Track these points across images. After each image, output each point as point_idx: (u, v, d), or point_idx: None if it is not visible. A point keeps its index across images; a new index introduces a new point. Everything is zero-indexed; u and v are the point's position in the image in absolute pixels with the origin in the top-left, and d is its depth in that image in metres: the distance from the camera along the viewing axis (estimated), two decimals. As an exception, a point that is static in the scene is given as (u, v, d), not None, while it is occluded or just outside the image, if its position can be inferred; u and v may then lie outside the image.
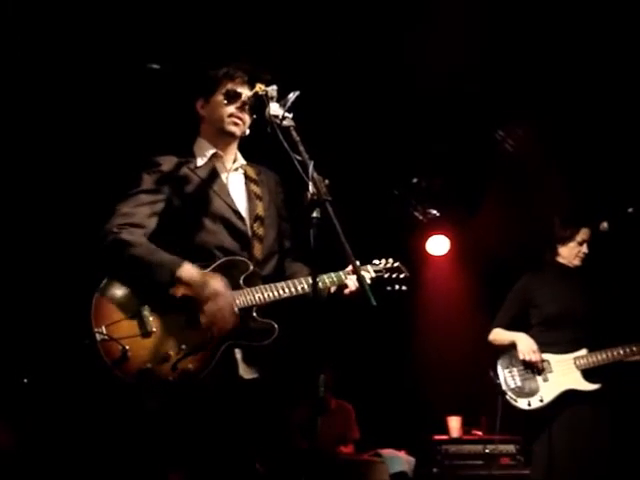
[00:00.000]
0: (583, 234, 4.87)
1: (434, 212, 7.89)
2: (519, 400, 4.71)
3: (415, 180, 7.54)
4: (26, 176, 5.64)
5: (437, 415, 6.72)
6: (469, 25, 5.08)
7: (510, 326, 4.90)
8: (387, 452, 6.41)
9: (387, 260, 3.52)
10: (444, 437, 6.45)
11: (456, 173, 7.24)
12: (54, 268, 5.75)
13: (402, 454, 6.47)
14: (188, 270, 3.07)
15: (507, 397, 4.74)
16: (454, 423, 6.52)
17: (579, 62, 5.52)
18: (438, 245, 8.00)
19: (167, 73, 5.40)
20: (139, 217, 3.18)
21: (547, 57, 5.54)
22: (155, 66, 5.43)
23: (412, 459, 6.45)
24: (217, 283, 3.09)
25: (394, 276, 3.49)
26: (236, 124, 3.33)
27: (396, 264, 3.52)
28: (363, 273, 3.36)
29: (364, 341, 7.39)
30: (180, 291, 3.07)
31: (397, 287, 3.49)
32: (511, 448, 6.18)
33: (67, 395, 5.52)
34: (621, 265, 5.59)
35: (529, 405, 4.68)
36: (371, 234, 6.26)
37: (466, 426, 6.59)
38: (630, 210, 4.80)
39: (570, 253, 4.88)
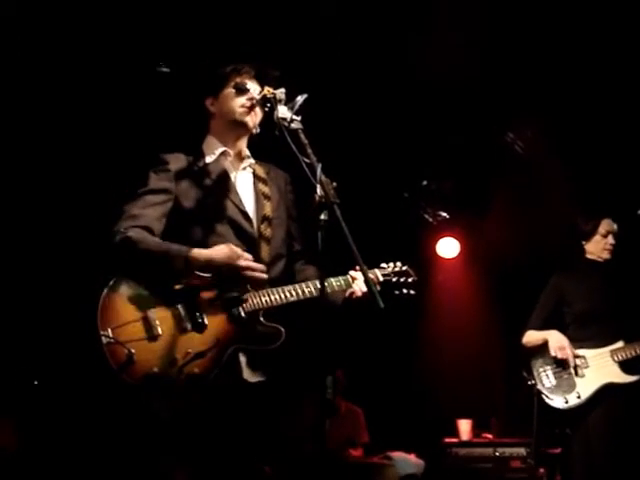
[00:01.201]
0: (605, 225, 4.80)
1: (444, 214, 7.88)
2: (555, 399, 4.61)
3: (425, 183, 7.53)
4: (36, 175, 5.66)
5: (447, 418, 6.71)
6: (478, 28, 5.07)
7: (543, 327, 4.80)
8: (397, 455, 6.39)
9: (395, 264, 3.51)
10: (454, 440, 6.43)
11: (466, 175, 7.22)
12: (61, 270, 5.76)
13: (412, 457, 6.45)
14: (199, 251, 3.08)
15: (543, 396, 4.63)
16: (464, 426, 6.51)
17: (588, 62, 5.50)
18: (448, 248, 7.98)
19: (177, 75, 5.41)
20: (147, 219, 3.17)
21: (556, 58, 5.52)
22: (165, 69, 5.44)
23: (422, 462, 6.43)
24: (230, 246, 3.11)
25: (402, 280, 3.47)
26: (248, 113, 3.30)
27: (404, 268, 3.51)
28: (372, 276, 3.32)
29: (374, 344, 7.38)
30: (191, 282, 3.08)
31: (405, 291, 3.48)
32: (521, 451, 6.16)
33: (75, 396, 5.53)
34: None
35: (566, 403, 4.58)
36: (381, 237, 6.26)
37: (476, 429, 6.57)
38: (639, 212, 4.80)
39: (597, 247, 4.80)
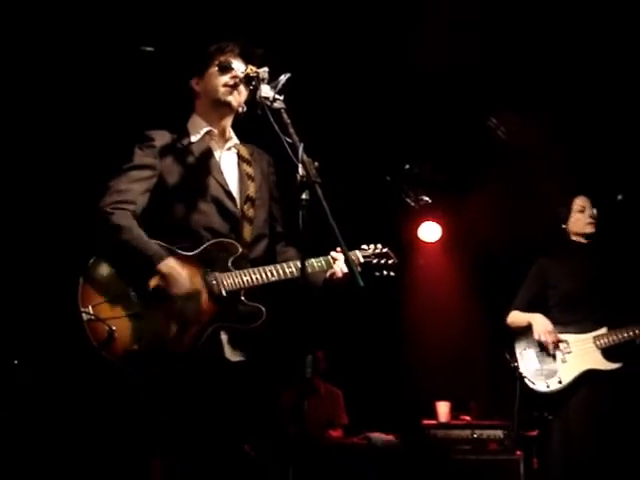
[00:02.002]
0: (579, 201, 4.82)
1: (426, 199, 7.89)
2: (537, 382, 4.61)
3: (407, 166, 7.54)
4: (18, 152, 5.62)
5: (426, 400, 6.75)
6: (461, 11, 5.08)
7: (528, 309, 4.79)
8: (375, 435, 6.43)
9: (376, 245, 3.52)
10: (433, 422, 6.48)
11: (448, 160, 7.24)
12: (43, 247, 5.74)
13: (390, 437, 6.49)
14: (167, 265, 3.04)
15: (524, 379, 4.63)
16: (443, 408, 6.54)
17: (570, 48, 5.52)
18: (430, 232, 7.99)
19: (161, 55, 5.38)
20: (132, 194, 3.16)
21: (539, 44, 5.54)
22: (149, 49, 5.41)
23: (398, 441, 6.47)
24: (190, 284, 3.06)
25: (382, 262, 3.49)
26: (231, 92, 3.30)
27: (385, 250, 3.52)
28: (352, 258, 3.36)
29: (355, 326, 7.41)
30: (155, 282, 3.05)
31: (385, 273, 3.50)
32: (499, 433, 6.20)
33: (55, 374, 5.52)
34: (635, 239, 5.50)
35: (547, 387, 4.58)
36: (363, 220, 6.27)
37: (455, 411, 6.61)
38: (619, 197, 4.82)
39: (579, 225, 4.80)
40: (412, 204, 7.92)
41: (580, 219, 4.80)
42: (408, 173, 7.59)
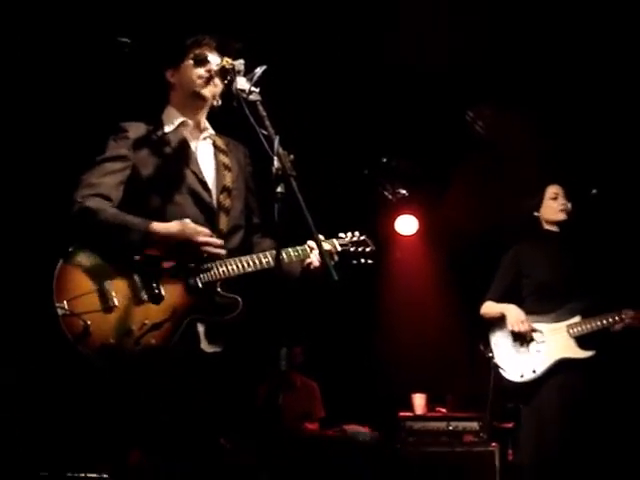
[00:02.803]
0: (552, 189, 4.81)
1: (403, 192, 7.91)
2: (511, 372, 4.59)
3: (384, 160, 7.56)
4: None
5: (402, 392, 6.78)
6: (439, 3, 5.09)
7: (502, 299, 4.77)
8: (351, 428, 6.46)
9: (353, 233, 3.54)
10: (409, 414, 6.51)
11: (425, 153, 7.26)
12: (17, 241, 5.70)
13: (366, 430, 6.52)
14: (157, 225, 3.08)
15: (499, 369, 4.63)
16: (419, 400, 6.57)
17: (546, 39, 5.55)
18: (407, 225, 8.03)
19: (137, 46, 5.35)
20: (105, 187, 3.15)
21: (517, 36, 5.56)
22: (125, 40, 5.38)
23: (376, 434, 6.50)
24: (191, 224, 3.11)
25: (360, 249, 3.51)
26: (206, 85, 3.30)
27: (362, 237, 3.54)
28: (329, 247, 3.38)
29: (331, 318, 7.43)
30: (152, 251, 3.08)
31: (363, 260, 3.51)
32: (474, 425, 6.24)
33: (30, 368, 5.50)
34: (608, 231, 5.52)
35: (522, 377, 4.56)
36: (340, 213, 6.26)
37: (431, 404, 6.65)
38: (594, 191, 4.84)
39: (551, 211, 4.79)
40: (389, 197, 7.95)
41: (552, 206, 4.79)
42: (385, 166, 7.60)
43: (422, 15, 5.12)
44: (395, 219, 8.00)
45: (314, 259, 3.31)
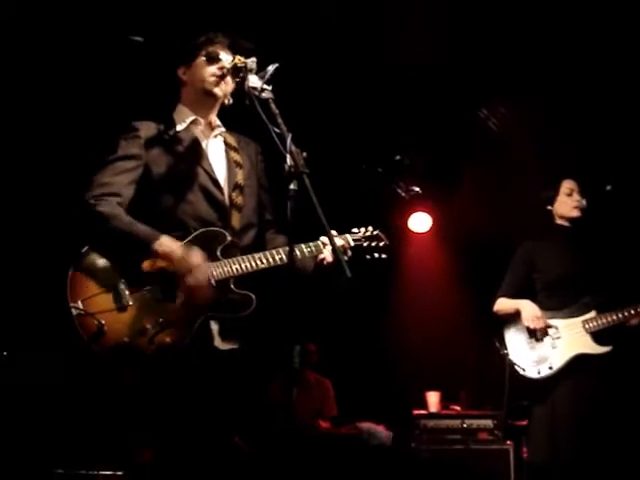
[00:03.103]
0: (567, 184, 4.76)
1: (416, 189, 7.91)
2: (528, 369, 4.55)
3: (398, 157, 7.55)
4: (5, 146, 5.60)
5: (416, 390, 6.77)
6: (453, 5, 5.08)
7: (515, 295, 4.73)
8: (366, 426, 6.46)
9: (367, 228, 3.51)
10: (423, 412, 6.50)
11: (439, 150, 7.25)
12: (31, 241, 5.72)
13: (381, 428, 6.52)
14: (165, 243, 3.06)
15: (515, 367, 4.59)
16: (433, 398, 6.57)
17: (561, 37, 5.52)
18: (420, 222, 8.01)
19: (149, 45, 5.36)
20: (117, 186, 3.15)
21: (531, 34, 5.54)
22: (138, 38, 5.39)
23: (390, 433, 6.50)
24: (196, 257, 3.08)
25: (374, 244, 3.48)
26: (217, 83, 3.30)
27: (375, 232, 3.51)
28: (342, 242, 3.36)
29: (345, 316, 7.42)
30: (156, 265, 3.06)
31: (377, 255, 3.48)
32: (489, 423, 6.22)
33: (45, 368, 5.52)
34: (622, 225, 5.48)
35: (539, 373, 4.52)
36: (353, 211, 6.27)
37: (445, 401, 6.64)
38: (608, 187, 4.81)
39: (565, 207, 4.74)
40: (402, 194, 7.94)
41: (567, 202, 4.75)
42: (399, 164, 7.60)
43: (436, 10, 5.09)
44: (408, 216, 7.98)
45: (327, 255, 3.29)
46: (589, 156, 6.08)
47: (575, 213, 4.73)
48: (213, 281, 3.12)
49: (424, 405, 6.57)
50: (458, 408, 6.57)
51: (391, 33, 5.35)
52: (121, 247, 3.07)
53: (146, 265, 3.07)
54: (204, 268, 3.09)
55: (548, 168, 6.02)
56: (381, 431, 6.44)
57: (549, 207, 4.83)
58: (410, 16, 5.15)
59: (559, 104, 6.10)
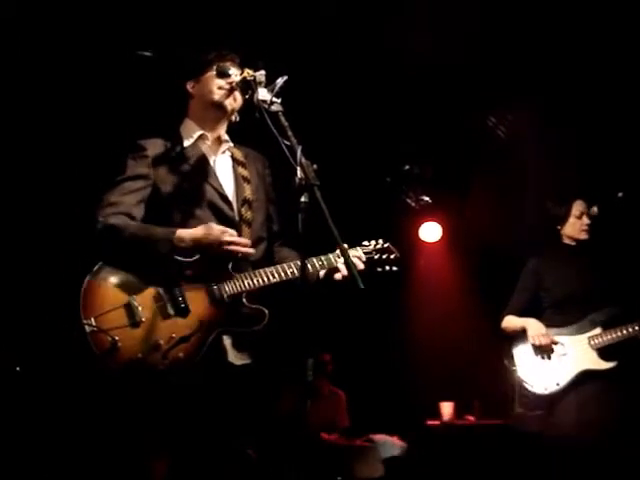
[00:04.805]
0: (578, 206, 4.78)
1: (426, 199, 7.90)
2: (535, 385, 4.63)
3: (407, 167, 7.55)
4: (15, 162, 5.60)
5: (430, 400, 6.75)
6: (460, 12, 5.08)
7: (522, 312, 4.81)
8: (379, 437, 6.44)
9: (377, 241, 3.52)
10: (436, 422, 6.48)
11: (448, 160, 7.24)
12: (43, 259, 5.73)
13: (394, 439, 6.50)
14: (183, 233, 3.11)
15: (524, 384, 4.67)
16: (446, 409, 6.55)
17: (569, 45, 5.51)
18: (430, 232, 8.00)
19: (158, 60, 5.38)
20: (126, 206, 3.18)
21: (540, 40, 5.53)
22: (147, 53, 5.41)
23: (404, 444, 6.48)
24: (214, 226, 3.14)
25: (384, 257, 3.49)
26: (226, 95, 3.31)
27: (386, 245, 3.52)
28: (353, 255, 3.36)
29: (358, 327, 7.41)
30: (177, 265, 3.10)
31: (388, 268, 3.49)
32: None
33: (57, 384, 5.52)
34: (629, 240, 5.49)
35: (546, 390, 4.59)
36: (364, 222, 6.25)
37: (459, 411, 6.62)
38: (620, 195, 4.81)
39: (573, 229, 4.77)
40: (412, 204, 7.94)
41: (576, 224, 4.78)
42: (408, 174, 7.59)
43: (443, 19, 5.10)
44: (419, 226, 7.98)
45: (341, 268, 3.29)
46: (600, 164, 6.06)
47: (584, 236, 4.78)
48: (225, 296, 3.14)
49: (438, 415, 6.55)
50: (472, 418, 6.55)
51: (398, 39, 5.35)
52: (142, 252, 3.10)
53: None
54: (224, 228, 3.15)
55: (558, 175, 6.02)
56: (395, 442, 6.41)
57: (558, 226, 4.86)
58: (417, 23, 5.15)
59: (569, 111, 6.08)
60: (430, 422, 6.48)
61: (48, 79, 5.35)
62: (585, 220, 4.76)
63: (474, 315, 7.26)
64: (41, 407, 5.42)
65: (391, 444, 6.40)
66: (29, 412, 5.34)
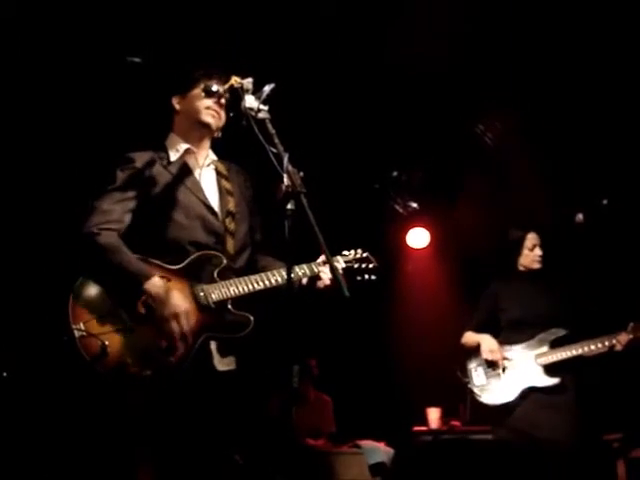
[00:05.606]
0: (531, 239, 5.05)
1: (414, 205, 7.92)
2: (484, 396, 4.97)
3: (395, 173, 7.57)
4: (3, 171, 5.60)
5: (416, 406, 6.76)
6: (448, 15, 5.11)
7: (480, 329, 5.11)
8: (366, 443, 6.44)
9: (356, 251, 3.58)
10: (423, 428, 6.49)
11: (436, 166, 7.27)
12: (33, 263, 5.72)
13: (381, 445, 6.50)
14: (154, 285, 3.08)
15: (475, 395, 5.01)
16: (433, 414, 6.56)
17: (557, 53, 5.55)
18: (418, 238, 8.03)
19: (147, 67, 5.38)
20: (116, 214, 3.20)
21: (528, 48, 5.57)
22: (136, 59, 5.41)
23: (391, 450, 6.48)
24: (178, 303, 3.09)
25: (364, 266, 3.55)
26: (213, 116, 3.36)
27: (365, 254, 3.58)
28: (337, 265, 3.39)
29: (344, 333, 7.41)
30: (143, 302, 3.09)
31: (367, 277, 3.55)
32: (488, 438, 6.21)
33: (45, 389, 5.51)
34: (590, 260, 5.73)
35: (495, 401, 4.91)
36: (351, 227, 6.28)
37: (445, 417, 6.63)
38: (605, 202, 4.88)
39: (526, 260, 5.05)
40: (400, 210, 7.96)
41: (529, 256, 5.05)
42: (396, 180, 7.62)
43: (432, 27, 5.13)
44: (406, 232, 8.00)
45: (324, 276, 3.34)
46: (586, 171, 6.11)
47: (536, 266, 5.06)
48: (212, 302, 3.16)
49: (425, 421, 6.56)
50: (458, 424, 6.56)
51: (387, 47, 5.37)
52: (114, 281, 3.10)
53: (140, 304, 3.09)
54: (187, 312, 3.09)
55: (545, 183, 6.06)
56: (381, 448, 6.42)
57: (514, 255, 5.12)
58: (408, 30, 5.17)
59: (555, 119, 6.12)
60: (417, 428, 6.48)
61: (47, 79, 5.35)
62: (537, 252, 5.04)
63: (461, 321, 7.28)
64: (28, 412, 5.41)
65: (377, 450, 6.40)
66: (16, 418, 5.33)
